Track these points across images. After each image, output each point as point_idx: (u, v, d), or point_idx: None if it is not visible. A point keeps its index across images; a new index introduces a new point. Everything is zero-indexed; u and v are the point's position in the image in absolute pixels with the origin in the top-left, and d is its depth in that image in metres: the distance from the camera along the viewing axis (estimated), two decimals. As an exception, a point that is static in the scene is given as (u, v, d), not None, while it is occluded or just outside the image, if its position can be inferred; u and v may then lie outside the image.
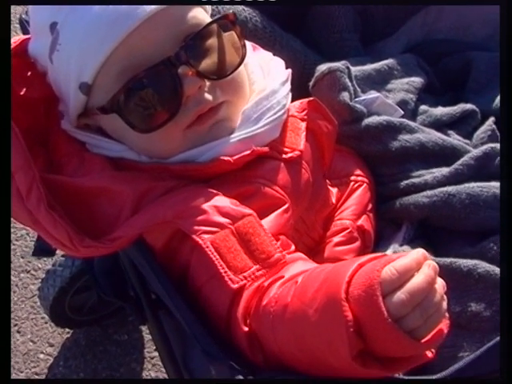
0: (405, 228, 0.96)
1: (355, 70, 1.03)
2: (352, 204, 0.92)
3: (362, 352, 0.55)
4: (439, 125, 1.06)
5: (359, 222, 0.91)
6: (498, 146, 0.97)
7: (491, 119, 1.08)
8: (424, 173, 0.97)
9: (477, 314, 0.82)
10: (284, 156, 0.79)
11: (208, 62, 0.74)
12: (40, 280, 1.47)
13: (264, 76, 0.84)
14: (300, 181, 0.81)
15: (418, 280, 0.55)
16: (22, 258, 1.54)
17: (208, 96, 0.74)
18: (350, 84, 0.97)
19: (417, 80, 1.10)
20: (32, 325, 1.43)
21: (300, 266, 0.70)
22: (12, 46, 0.77)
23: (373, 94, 1.00)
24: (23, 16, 0.85)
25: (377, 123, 0.97)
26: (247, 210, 0.72)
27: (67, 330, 1.42)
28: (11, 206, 0.71)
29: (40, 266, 1.52)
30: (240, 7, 1.00)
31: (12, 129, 0.71)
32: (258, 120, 0.78)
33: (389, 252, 0.92)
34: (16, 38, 0.78)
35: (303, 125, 0.83)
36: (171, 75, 0.72)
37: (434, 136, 0.99)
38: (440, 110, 1.08)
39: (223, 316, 0.68)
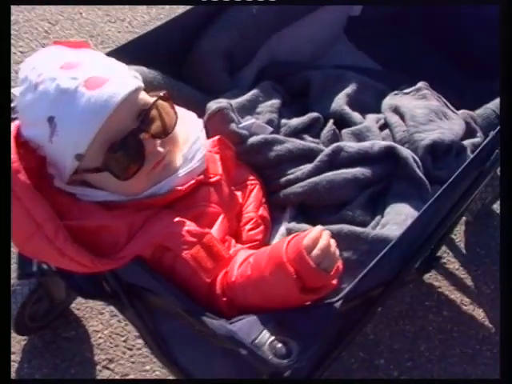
0: (289, 210, 1.30)
1: (234, 102, 1.38)
2: (252, 201, 1.26)
3: (302, 288, 0.94)
4: (296, 132, 1.43)
5: (259, 212, 1.25)
6: (340, 144, 1.35)
7: (331, 121, 1.48)
8: (295, 170, 1.32)
9: (347, 259, 1.14)
10: (211, 180, 1.16)
11: (156, 127, 1.06)
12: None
13: (186, 127, 1.17)
14: (224, 195, 1.17)
15: (323, 242, 0.95)
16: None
17: (160, 149, 1.07)
18: (234, 116, 1.33)
19: (276, 101, 1.47)
20: (-9, 339, 1.68)
21: (244, 253, 1.07)
22: (12, 134, 1.03)
23: (249, 120, 1.36)
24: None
25: (257, 141, 1.33)
26: (206, 230, 1.07)
27: (24, 337, 1.67)
28: (41, 248, 0.99)
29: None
30: (146, 71, 1.32)
31: (34, 192, 0.99)
32: (192, 159, 1.12)
33: (282, 228, 1.28)
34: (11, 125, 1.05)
35: (217, 157, 1.20)
36: (136, 140, 1.02)
37: (297, 143, 1.36)
38: (295, 121, 1.45)
39: (204, 295, 1.03)
